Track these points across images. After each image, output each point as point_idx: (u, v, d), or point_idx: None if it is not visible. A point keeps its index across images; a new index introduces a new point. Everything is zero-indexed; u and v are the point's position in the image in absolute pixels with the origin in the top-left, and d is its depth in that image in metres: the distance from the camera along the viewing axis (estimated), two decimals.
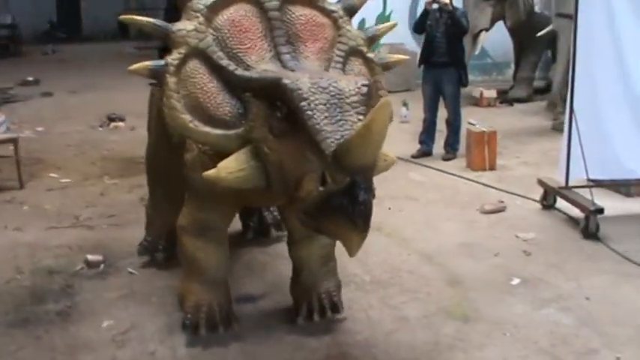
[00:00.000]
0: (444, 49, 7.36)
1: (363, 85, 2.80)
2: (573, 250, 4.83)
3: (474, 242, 5.07)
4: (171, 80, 3.01)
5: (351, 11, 3.41)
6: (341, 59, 3.24)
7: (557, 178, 5.70)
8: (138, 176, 7.03)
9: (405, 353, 3.52)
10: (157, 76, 3.06)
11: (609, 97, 5.37)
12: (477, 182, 6.59)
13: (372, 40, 3.45)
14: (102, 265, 4.69)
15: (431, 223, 5.52)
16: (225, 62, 3.04)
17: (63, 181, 6.89)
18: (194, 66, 3.05)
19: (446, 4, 7.29)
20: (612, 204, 5.38)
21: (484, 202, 5.88)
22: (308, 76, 2.78)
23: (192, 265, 3.67)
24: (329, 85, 2.72)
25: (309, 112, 2.66)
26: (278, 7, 3.21)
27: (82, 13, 26.96)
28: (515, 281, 4.34)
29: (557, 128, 8.71)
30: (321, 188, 2.61)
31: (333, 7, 3.36)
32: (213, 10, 3.14)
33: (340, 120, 2.66)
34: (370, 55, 3.38)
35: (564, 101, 9.42)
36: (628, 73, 5.33)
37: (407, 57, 3.84)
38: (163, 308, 4.06)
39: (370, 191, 2.62)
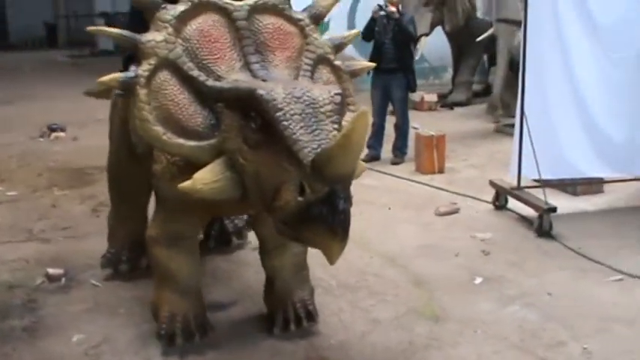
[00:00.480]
0: (392, 55, 7.52)
1: (336, 94, 2.82)
2: (530, 248, 5.01)
3: (433, 244, 5.19)
4: (142, 92, 3.00)
5: (317, 19, 3.44)
6: (309, 67, 3.27)
7: (508, 179, 5.91)
8: (88, 187, 6.95)
9: (382, 354, 3.59)
10: (127, 88, 3.03)
11: (557, 101, 5.59)
12: (429, 185, 6.74)
13: (339, 49, 3.49)
14: (63, 279, 4.58)
15: (389, 226, 5.62)
16: (195, 73, 3.04)
17: (9, 194, 6.70)
18: (164, 77, 3.04)
19: (392, 12, 7.46)
20: (561, 203, 5.56)
21: (437, 205, 6.02)
22: (282, 86, 2.79)
23: (165, 275, 3.64)
24: (303, 95, 2.74)
25: (285, 123, 2.67)
26: (246, 16, 3.21)
27: (8, 20, 26.24)
28: (478, 280, 4.48)
29: (501, 130, 9.02)
30: (299, 198, 2.61)
31: (299, 16, 3.39)
32: (181, 21, 3.12)
33: (316, 129, 2.68)
34: (337, 62, 3.42)
35: (504, 104, 9.81)
36: (574, 77, 5.57)
37: (372, 64, 3.90)
38: (132, 319, 4.02)
39: (349, 200, 2.65)
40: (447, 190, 6.53)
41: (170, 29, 3.08)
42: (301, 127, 2.66)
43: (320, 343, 3.70)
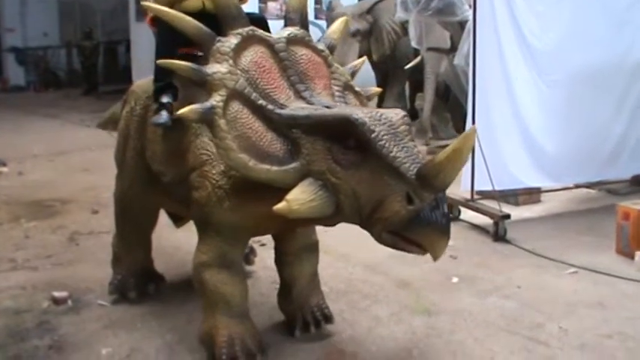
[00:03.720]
0: None
1: (405, 116, 3.08)
2: (491, 252, 5.64)
3: (404, 253, 5.68)
4: (221, 122, 3.13)
5: (332, 50, 3.72)
6: (341, 94, 3.50)
7: (459, 192, 6.55)
8: (54, 218, 7.08)
9: (392, 343, 4.04)
10: (206, 119, 3.15)
11: (500, 118, 6.30)
12: None
13: (353, 75, 3.80)
14: (69, 301, 4.76)
15: (359, 239, 5.96)
16: (263, 102, 3.21)
17: None
18: (237, 107, 3.19)
19: None
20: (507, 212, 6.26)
21: None
22: (359, 110, 3.06)
23: (218, 300, 3.66)
24: (381, 117, 2.98)
25: (381, 142, 2.91)
26: (285, 47, 3.42)
27: None
28: (455, 279, 5.03)
29: (432, 152, 9.70)
30: (409, 207, 2.87)
31: (321, 46, 3.62)
32: (237, 53, 3.30)
33: (404, 147, 2.95)
34: (358, 89, 3.72)
35: (433, 127, 10.58)
36: (514, 96, 6.31)
37: (379, 89, 4.18)
38: (153, 331, 4.25)
39: (447, 202, 3.00)
40: None
41: (230, 61, 3.26)
42: (394, 146, 2.93)
43: (334, 339, 4.11)
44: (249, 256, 5.21)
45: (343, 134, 3.02)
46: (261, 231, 3.93)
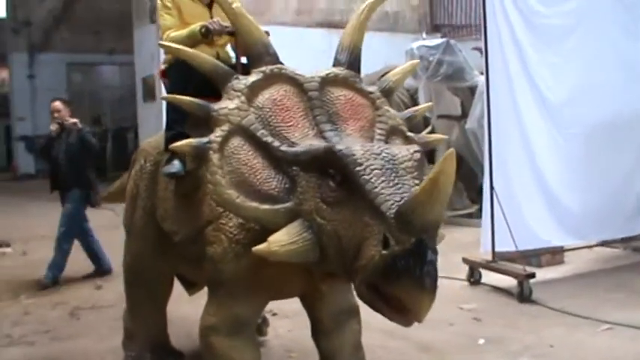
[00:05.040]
0: (67, 169, 7.28)
1: (416, 152, 2.76)
2: (517, 312, 5.29)
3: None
4: (214, 157, 2.97)
5: (388, 93, 3.41)
6: (383, 137, 3.21)
7: (479, 254, 6.24)
8: (56, 294, 6.80)
9: None
10: (200, 154, 3.00)
11: (519, 175, 6.08)
12: None
13: (410, 121, 3.47)
14: None
15: None
16: (269, 139, 3.03)
17: None
18: (237, 143, 3.03)
19: (74, 123, 7.25)
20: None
21: None
22: (360, 144, 2.79)
23: None
24: (382, 152, 2.70)
25: (366, 177, 2.60)
26: (317, 87, 3.22)
27: None
28: (481, 341, 4.67)
29: (447, 222, 9.46)
30: (383, 252, 2.47)
31: (370, 89, 3.37)
32: (253, 90, 3.15)
33: (397, 184, 2.60)
34: (410, 134, 3.35)
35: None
36: (532, 151, 6.10)
37: (445, 137, 3.88)
38: None
39: (435, 250, 2.52)
40: None
41: (243, 97, 3.11)
42: (382, 182, 2.59)
43: None
44: (261, 327, 4.84)
45: (331, 169, 2.73)
46: (281, 293, 3.49)
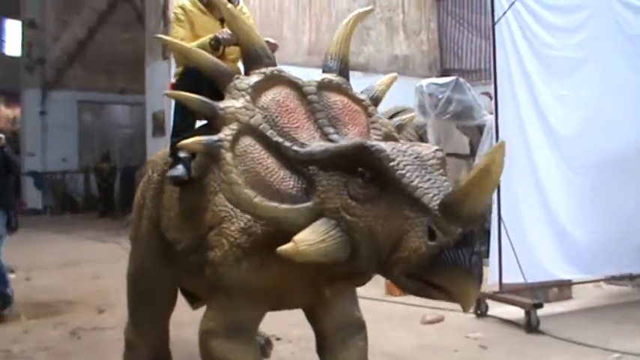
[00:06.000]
0: None
1: (438, 150, 2.76)
2: (525, 342, 5.20)
3: (429, 344, 5.28)
4: (227, 155, 2.88)
5: (376, 102, 3.44)
6: None
7: (485, 287, 6.15)
8: (58, 316, 6.73)
9: None
10: (210, 152, 2.91)
11: (527, 208, 6.03)
12: (406, 304, 6.81)
13: (400, 129, 3.50)
14: None
15: (381, 331, 5.66)
16: (279, 139, 2.99)
17: None
18: (248, 142, 2.96)
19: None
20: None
21: (421, 316, 6.14)
22: (384, 143, 2.77)
23: None
24: (407, 149, 2.68)
25: (401, 172, 2.58)
26: (315, 91, 3.23)
27: None
28: None
29: None
30: (430, 243, 2.45)
31: (362, 96, 3.40)
32: (257, 90, 3.12)
33: (430, 179, 2.58)
34: (403, 141, 3.30)
35: None
36: (541, 184, 6.07)
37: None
38: None
39: (482, 241, 2.61)
40: (426, 306, 6.65)
41: (248, 97, 3.08)
42: (417, 176, 2.58)
43: None
44: (265, 348, 4.75)
45: (360, 166, 2.70)
46: (284, 303, 3.39)
